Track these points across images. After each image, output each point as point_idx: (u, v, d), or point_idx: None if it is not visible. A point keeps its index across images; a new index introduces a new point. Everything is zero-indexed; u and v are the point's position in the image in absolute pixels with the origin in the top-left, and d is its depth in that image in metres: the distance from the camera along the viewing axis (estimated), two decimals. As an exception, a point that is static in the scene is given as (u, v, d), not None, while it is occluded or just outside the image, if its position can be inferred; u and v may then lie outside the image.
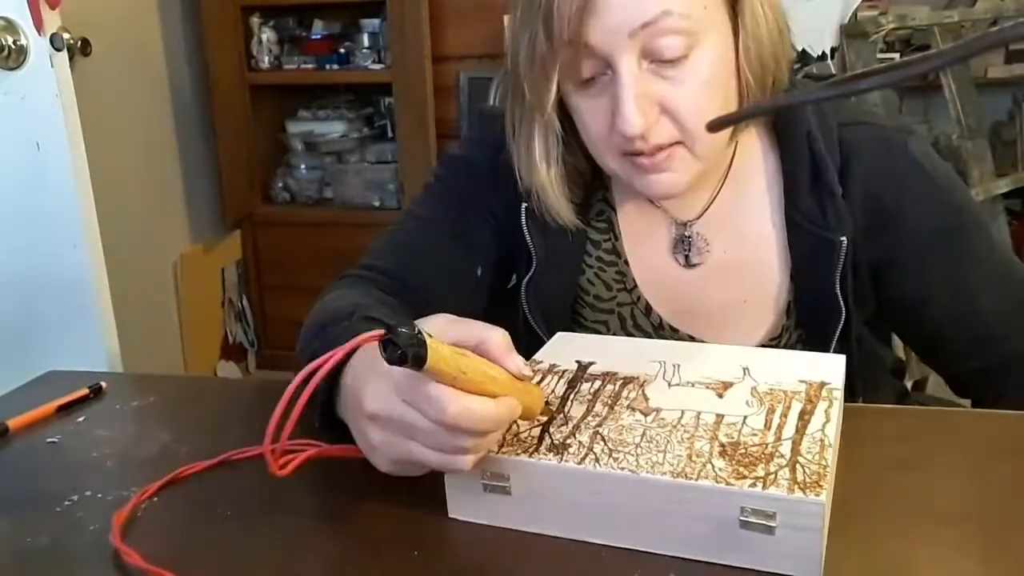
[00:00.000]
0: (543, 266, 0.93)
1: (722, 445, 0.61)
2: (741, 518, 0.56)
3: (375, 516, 0.66)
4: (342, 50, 2.88)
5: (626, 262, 0.93)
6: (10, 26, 1.56)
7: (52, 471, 0.78)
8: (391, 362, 0.53)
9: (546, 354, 0.79)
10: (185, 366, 2.78)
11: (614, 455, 0.61)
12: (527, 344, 0.86)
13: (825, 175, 0.85)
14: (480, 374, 0.58)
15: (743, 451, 0.60)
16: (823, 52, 2.26)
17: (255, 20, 2.87)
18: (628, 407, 0.68)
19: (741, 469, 0.58)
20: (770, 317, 0.90)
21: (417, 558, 0.61)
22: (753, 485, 0.56)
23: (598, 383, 0.72)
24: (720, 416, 0.66)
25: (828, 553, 0.56)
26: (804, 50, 2.24)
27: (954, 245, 0.88)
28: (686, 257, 0.92)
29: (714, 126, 0.77)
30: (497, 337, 0.62)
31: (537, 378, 0.74)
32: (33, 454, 0.81)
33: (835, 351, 0.86)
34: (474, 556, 0.63)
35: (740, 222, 0.91)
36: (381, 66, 2.80)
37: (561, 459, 0.61)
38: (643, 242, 0.94)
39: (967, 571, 0.57)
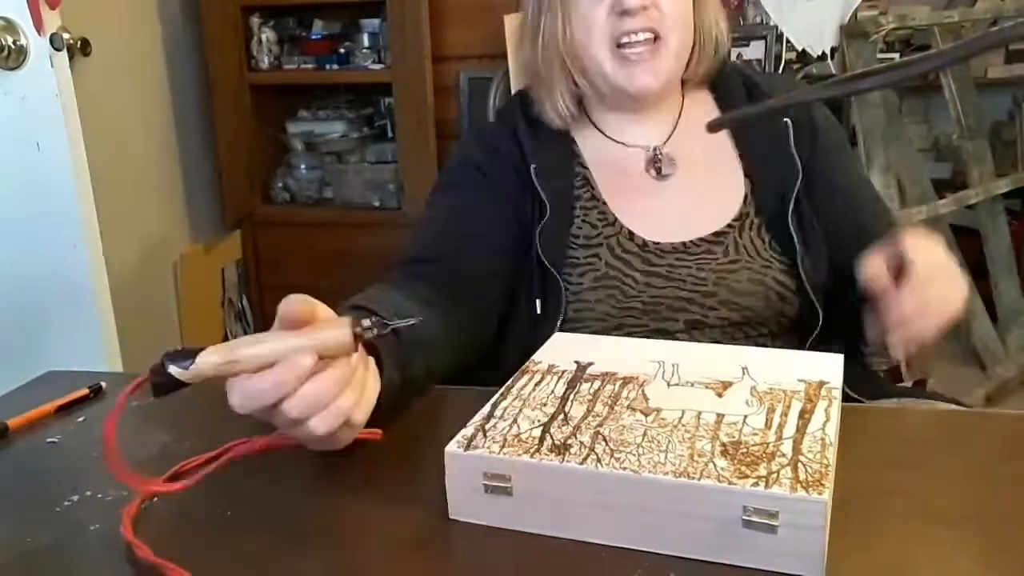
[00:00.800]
0: (553, 208, 1.05)
1: (723, 445, 0.61)
2: (744, 517, 0.56)
3: (375, 516, 0.66)
4: (342, 50, 2.87)
5: (604, 203, 1.08)
6: (10, 26, 1.56)
7: (52, 471, 0.78)
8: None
9: (545, 355, 0.79)
10: (185, 366, 2.77)
11: (616, 455, 0.61)
12: (542, 293, 1.03)
13: (756, 92, 1.10)
14: (250, 359, 0.65)
15: (744, 450, 0.60)
16: (823, 52, 2.26)
17: (255, 20, 2.87)
18: (628, 407, 0.68)
19: (743, 468, 0.58)
20: (733, 208, 1.06)
21: (417, 558, 0.61)
22: (756, 484, 0.56)
23: (597, 383, 0.72)
24: (720, 416, 0.66)
25: (828, 553, 0.56)
26: (804, 50, 2.23)
27: (848, 159, 1.12)
28: (658, 170, 1.09)
29: (714, 126, 0.79)
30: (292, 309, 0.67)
31: (536, 378, 0.74)
32: (33, 454, 0.81)
33: (796, 234, 1.01)
34: (474, 556, 0.63)
35: (698, 144, 1.09)
36: (381, 66, 2.79)
37: (563, 459, 0.61)
38: (618, 176, 1.09)
39: (967, 571, 0.57)
